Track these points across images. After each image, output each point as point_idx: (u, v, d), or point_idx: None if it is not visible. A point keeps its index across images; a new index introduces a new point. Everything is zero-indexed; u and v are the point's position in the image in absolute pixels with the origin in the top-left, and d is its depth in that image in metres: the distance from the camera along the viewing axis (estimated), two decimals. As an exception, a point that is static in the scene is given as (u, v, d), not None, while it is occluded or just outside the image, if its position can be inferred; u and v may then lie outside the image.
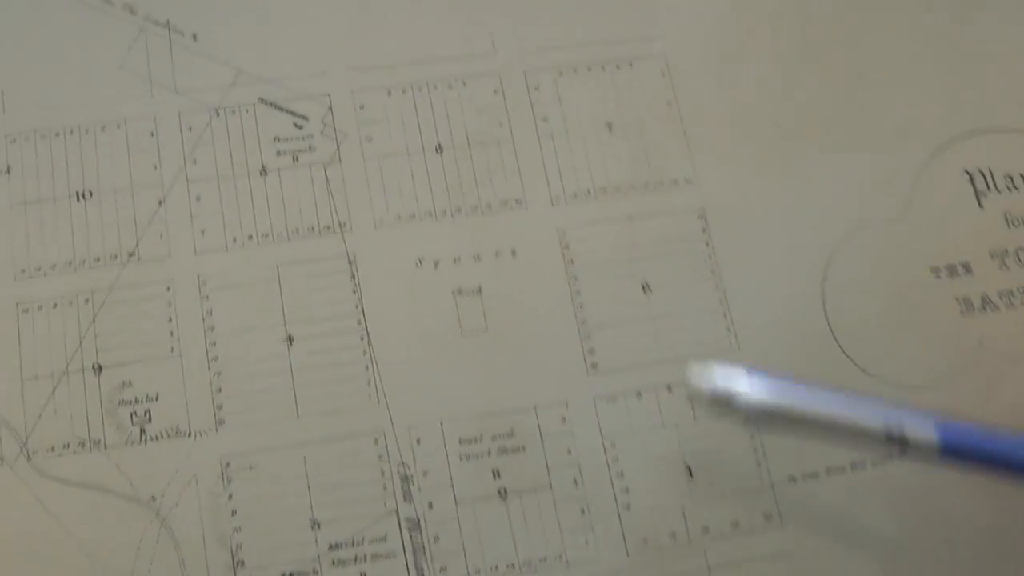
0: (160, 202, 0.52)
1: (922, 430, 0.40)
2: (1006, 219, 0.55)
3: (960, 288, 0.54)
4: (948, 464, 0.42)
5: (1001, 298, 0.54)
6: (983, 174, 0.56)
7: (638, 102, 0.56)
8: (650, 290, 0.53)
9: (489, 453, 0.50)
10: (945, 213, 0.55)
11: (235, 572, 0.48)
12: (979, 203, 0.56)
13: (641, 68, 0.57)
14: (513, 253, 0.53)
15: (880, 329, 0.53)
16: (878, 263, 0.54)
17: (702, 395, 0.40)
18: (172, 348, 0.50)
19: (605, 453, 0.51)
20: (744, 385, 0.39)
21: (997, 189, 0.56)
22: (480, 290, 0.52)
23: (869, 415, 0.40)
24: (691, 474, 0.51)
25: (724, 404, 0.40)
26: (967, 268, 0.54)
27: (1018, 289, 0.54)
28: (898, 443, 0.40)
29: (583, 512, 0.50)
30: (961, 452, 0.41)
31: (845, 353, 0.52)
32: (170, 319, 0.51)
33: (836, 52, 0.58)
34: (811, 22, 0.58)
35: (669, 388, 0.51)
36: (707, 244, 0.54)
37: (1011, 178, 0.56)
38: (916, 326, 0.53)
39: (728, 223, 0.54)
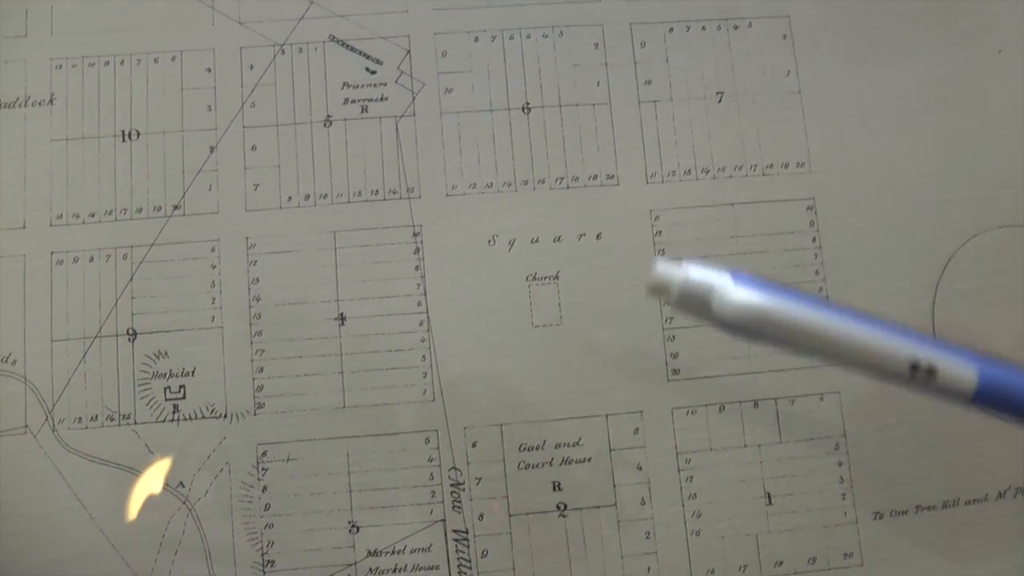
0: (212, 149, 0.47)
1: (957, 366, 0.31)
2: None
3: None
4: (980, 408, 0.32)
5: None
6: None
7: (754, 69, 0.49)
8: (747, 289, 0.47)
9: (551, 463, 0.46)
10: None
11: (263, 572, 0.44)
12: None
13: (762, 29, 0.50)
14: (598, 236, 0.47)
15: (992, 347, 0.46)
16: (997, 274, 0.48)
17: (669, 290, 0.32)
18: (213, 317, 0.46)
19: (679, 471, 0.46)
20: (726, 285, 0.31)
21: None
22: (557, 277, 0.47)
23: (891, 340, 0.31)
24: (770, 501, 0.46)
25: (696, 304, 0.32)
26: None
27: None
28: (924, 374, 0.31)
29: (648, 535, 0.45)
30: (999, 397, 0.32)
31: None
32: (213, 284, 0.46)
33: (976, 21, 0.51)
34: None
35: (755, 404, 0.46)
36: (814, 240, 0.48)
37: None
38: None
39: (840, 217, 0.48)
